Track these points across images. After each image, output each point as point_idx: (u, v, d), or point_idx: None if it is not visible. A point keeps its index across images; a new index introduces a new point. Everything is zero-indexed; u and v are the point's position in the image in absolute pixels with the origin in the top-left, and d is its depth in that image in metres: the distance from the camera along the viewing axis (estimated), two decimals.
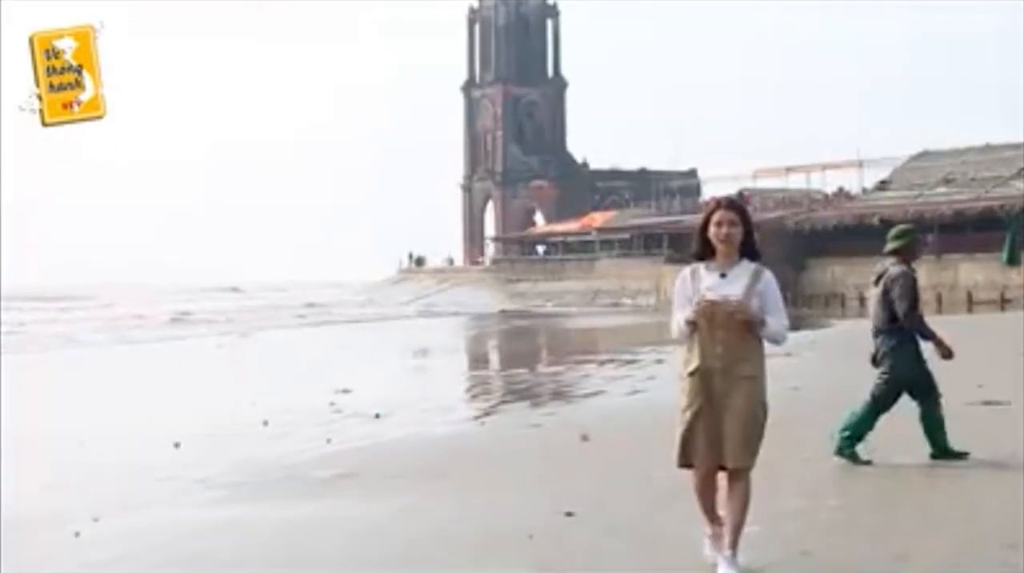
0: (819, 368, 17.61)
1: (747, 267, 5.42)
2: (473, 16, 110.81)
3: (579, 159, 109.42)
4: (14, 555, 6.65)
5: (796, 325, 34.60)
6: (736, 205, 5.48)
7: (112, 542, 6.90)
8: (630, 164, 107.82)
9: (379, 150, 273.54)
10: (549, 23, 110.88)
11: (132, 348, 30.81)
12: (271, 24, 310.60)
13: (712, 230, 5.41)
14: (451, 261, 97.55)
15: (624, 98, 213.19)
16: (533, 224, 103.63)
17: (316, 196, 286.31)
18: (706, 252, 5.46)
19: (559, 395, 16.18)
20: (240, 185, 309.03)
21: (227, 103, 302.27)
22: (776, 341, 5.41)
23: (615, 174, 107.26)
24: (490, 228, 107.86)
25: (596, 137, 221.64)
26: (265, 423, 12.67)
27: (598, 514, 6.92)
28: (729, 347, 5.30)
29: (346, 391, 15.81)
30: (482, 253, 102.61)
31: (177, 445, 11.04)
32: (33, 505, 8.26)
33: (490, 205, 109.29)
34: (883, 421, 8.79)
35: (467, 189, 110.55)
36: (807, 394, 13.46)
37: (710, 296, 5.34)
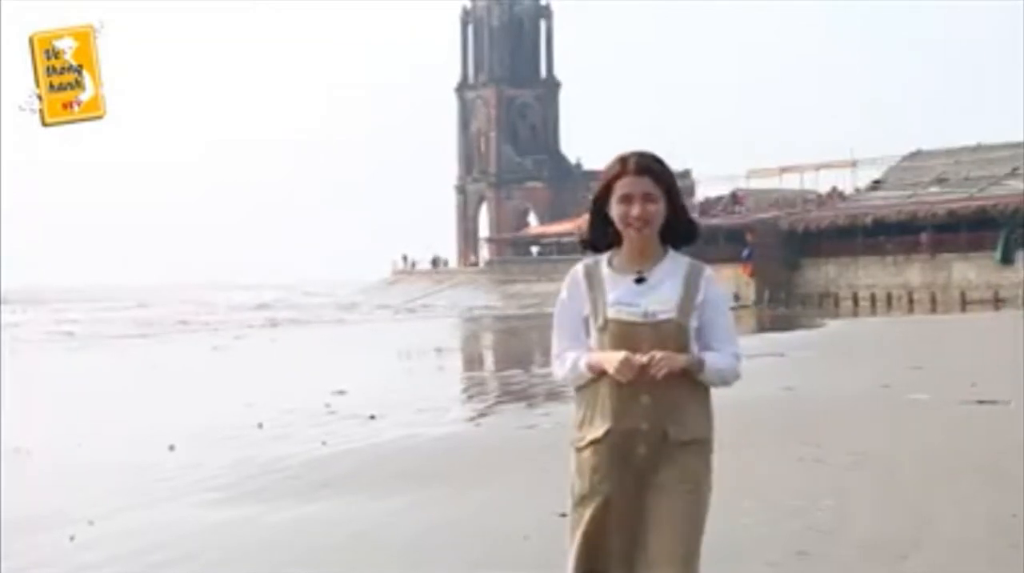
0: (813, 368, 17.63)
1: (677, 263, 3.51)
2: (466, 17, 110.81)
3: (573, 160, 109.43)
4: (9, 558, 6.65)
5: (790, 325, 34.69)
6: (652, 167, 3.49)
7: (107, 544, 6.90)
8: None
9: (373, 151, 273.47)
10: (542, 24, 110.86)
11: (125, 350, 30.77)
12: (264, 25, 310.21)
13: (617, 209, 3.48)
14: (445, 262, 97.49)
15: (617, 99, 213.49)
16: (527, 225, 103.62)
17: (310, 197, 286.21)
18: (608, 239, 3.55)
19: (554, 396, 16.17)
20: (233, 186, 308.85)
21: (221, 104, 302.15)
22: (724, 383, 3.49)
23: None
24: (484, 229, 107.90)
25: (590, 138, 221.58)
26: (260, 425, 12.66)
27: None
28: (660, 396, 3.39)
29: (341, 392, 15.81)
30: (476, 254, 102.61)
31: (172, 447, 11.04)
32: (29, 507, 8.26)
33: (484, 206, 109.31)
34: (878, 421, 8.83)
35: (461, 190, 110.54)
36: (801, 394, 13.48)
37: (623, 315, 3.44)
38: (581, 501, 3.49)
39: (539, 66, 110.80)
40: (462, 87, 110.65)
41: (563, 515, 6.80)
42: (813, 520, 6.60)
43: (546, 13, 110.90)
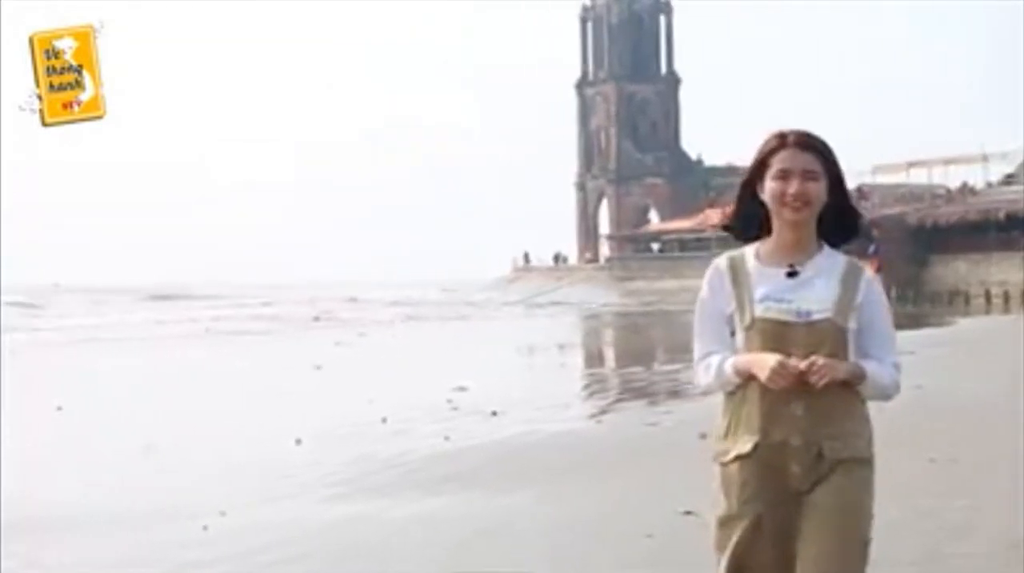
0: (943, 366, 17.18)
1: (834, 260, 3.14)
2: (586, 14, 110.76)
3: (693, 156, 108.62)
4: (146, 547, 6.85)
5: (918, 323, 33.92)
6: (815, 143, 3.14)
7: (239, 536, 7.06)
8: (746, 160, 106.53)
9: (492, 148, 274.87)
10: (662, 19, 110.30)
11: (255, 346, 31.39)
12: (390, 23, 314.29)
13: (771, 187, 3.11)
14: (565, 259, 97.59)
15: (739, 93, 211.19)
16: (647, 221, 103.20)
17: (432, 196, 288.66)
18: (757, 226, 3.18)
19: (676, 393, 16.07)
20: (350, 187, 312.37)
21: (340, 101, 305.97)
22: (884, 396, 3.15)
23: (731, 170, 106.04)
24: (604, 226, 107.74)
25: (711, 133, 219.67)
26: (384, 420, 12.80)
27: None
28: (814, 406, 3.03)
29: (463, 388, 15.90)
30: (596, 251, 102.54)
31: (299, 442, 11.22)
32: (164, 499, 8.49)
33: (604, 203, 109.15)
34: (1010, 420, 8.59)
35: (581, 187, 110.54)
36: (931, 393, 13.15)
37: (773, 313, 3.08)
38: (727, 521, 3.13)
39: (659, 62, 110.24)
40: (582, 84, 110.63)
41: (687, 513, 6.79)
42: (946, 520, 6.45)
43: (666, 8, 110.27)
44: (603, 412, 13.99)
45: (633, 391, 16.64)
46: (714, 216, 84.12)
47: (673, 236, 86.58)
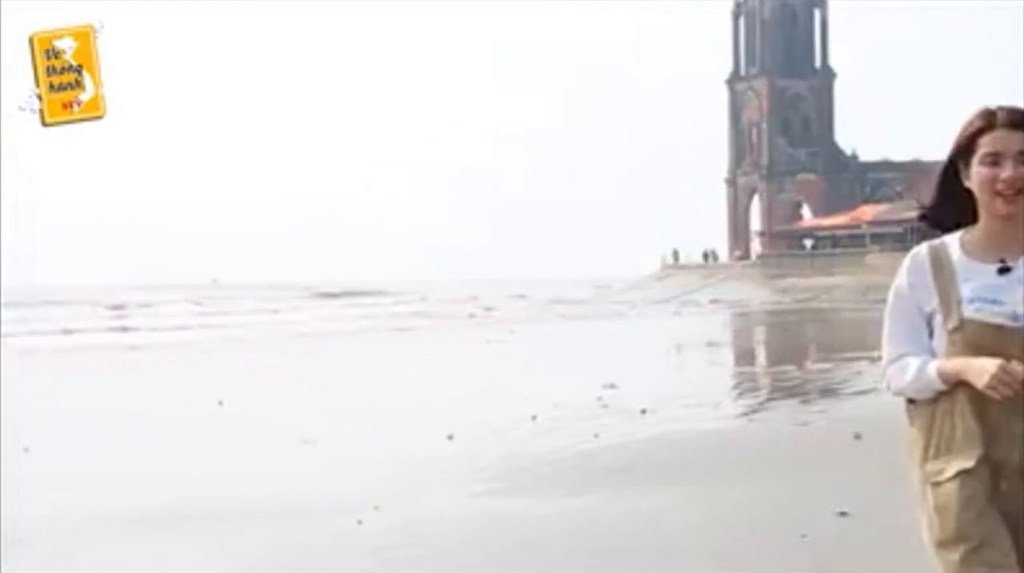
0: None
1: None
2: (738, 9, 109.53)
3: (848, 151, 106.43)
4: (302, 540, 7.03)
5: None
6: None
7: (393, 531, 7.17)
8: (903, 154, 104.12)
9: (643, 147, 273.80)
10: (816, 13, 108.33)
11: (411, 341, 31.88)
12: (537, 28, 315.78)
13: (979, 173, 2.75)
14: (715, 256, 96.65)
15: (897, 87, 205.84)
16: (800, 218, 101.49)
17: (579, 194, 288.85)
18: (960, 215, 2.82)
19: (829, 392, 15.79)
20: (510, 185, 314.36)
21: (499, 100, 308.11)
22: None
23: (886, 165, 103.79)
24: (755, 223, 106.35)
25: (867, 128, 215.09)
26: (534, 417, 12.88)
27: (873, 514, 6.72)
28: None
29: (612, 386, 15.90)
30: (747, 248, 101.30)
31: (451, 437, 11.37)
32: (321, 493, 8.70)
33: (755, 199, 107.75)
34: None
35: (732, 183, 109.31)
36: None
37: (984, 315, 2.72)
38: (946, 544, 2.79)
39: (812, 56, 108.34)
40: (733, 79, 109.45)
41: (842, 514, 6.68)
42: None
43: (820, 2, 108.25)
44: (754, 411, 13.84)
45: (785, 390, 16.40)
46: (868, 212, 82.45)
47: (826, 233, 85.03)
